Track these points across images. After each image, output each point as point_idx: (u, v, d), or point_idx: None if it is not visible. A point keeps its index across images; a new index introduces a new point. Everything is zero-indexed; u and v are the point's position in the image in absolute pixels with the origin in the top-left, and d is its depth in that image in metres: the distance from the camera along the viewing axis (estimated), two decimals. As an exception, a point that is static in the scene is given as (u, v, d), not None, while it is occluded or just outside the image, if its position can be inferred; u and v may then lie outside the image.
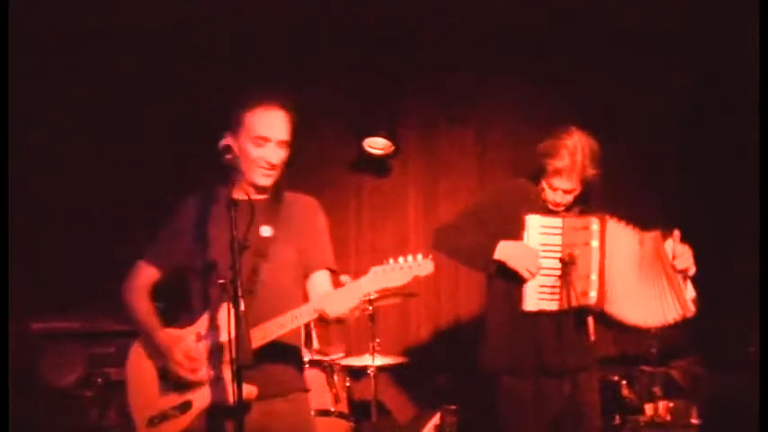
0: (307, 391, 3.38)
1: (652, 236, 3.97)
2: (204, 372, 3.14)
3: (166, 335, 3.23)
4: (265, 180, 3.24)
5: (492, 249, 3.94)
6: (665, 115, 6.06)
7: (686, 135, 6.05)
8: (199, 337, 3.17)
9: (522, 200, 4.03)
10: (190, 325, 3.23)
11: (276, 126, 3.23)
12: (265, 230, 3.22)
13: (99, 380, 4.90)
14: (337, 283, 3.26)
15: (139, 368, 3.29)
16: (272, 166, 3.22)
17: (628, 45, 5.96)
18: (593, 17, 5.91)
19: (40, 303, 5.29)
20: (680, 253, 3.94)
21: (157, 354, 3.23)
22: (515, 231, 3.94)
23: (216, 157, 3.12)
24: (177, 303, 3.36)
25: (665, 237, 3.98)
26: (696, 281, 4.50)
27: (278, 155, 3.23)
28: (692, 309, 3.95)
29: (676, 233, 3.95)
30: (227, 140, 3.21)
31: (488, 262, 3.97)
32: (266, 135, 3.20)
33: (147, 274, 3.39)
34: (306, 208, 3.40)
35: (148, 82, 5.76)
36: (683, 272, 3.95)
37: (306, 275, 3.35)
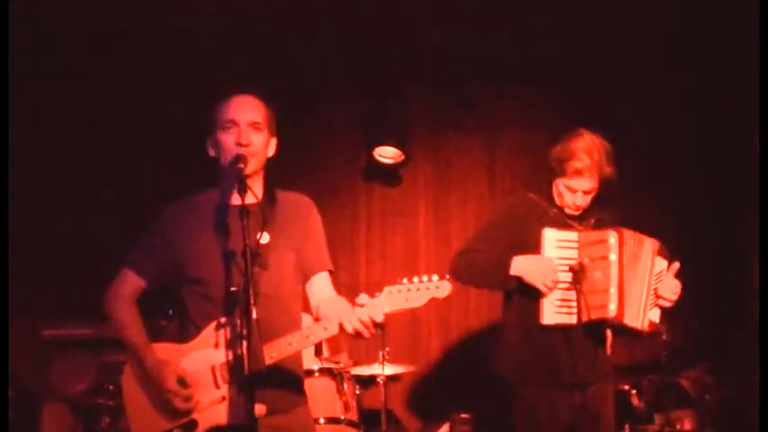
0: (306, 402, 3.25)
1: (651, 241, 3.99)
2: (199, 397, 3.02)
3: (155, 359, 3.07)
4: (246, 167, 2.97)
5: (507, 265, 3.94)
6: (672, 122, 6.07)
7: (690, 140, 6.05)
8: (213, 370, 3.03)
9: (533, 213, 4.04)
10: (187, 341, 3.09)
11: (244, 108, 3.08)
12: (261, 237, 2.99)
13: (110, 387, 4.90)
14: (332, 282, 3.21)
15: (134, 394, 3.13)
16: (245, 148, 3.01)
17: (635, 52, 5.97)
18: (600, 25, 5.93)
19: (50, 311, 5.32)
20: (669, 280, 3.98)
21: (148, 379, 3.08)
22: (529, 245, 3.95)
23: (203, 163, 3.09)
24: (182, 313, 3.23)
25: (662, 252, 4.00)
26: (706, 289, 4.49)
27: (249, 137, 3.04)
28: (645, 326, 3.96)
29: (675, 265, 4.00)
30: (207, 143, 3.12)
31: (505, 279, 3.97)
32: (233, 117, 3.05)
33: (132, 283, 3.20)
34: (300, 207, 3.25)
35: (150, 83, 5.80)
36: (664, 293, 3.96)
37: (305, 279, 3.21)
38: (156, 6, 5.64)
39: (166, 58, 5.83)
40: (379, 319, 2.89)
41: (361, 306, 2.90)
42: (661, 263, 3.99)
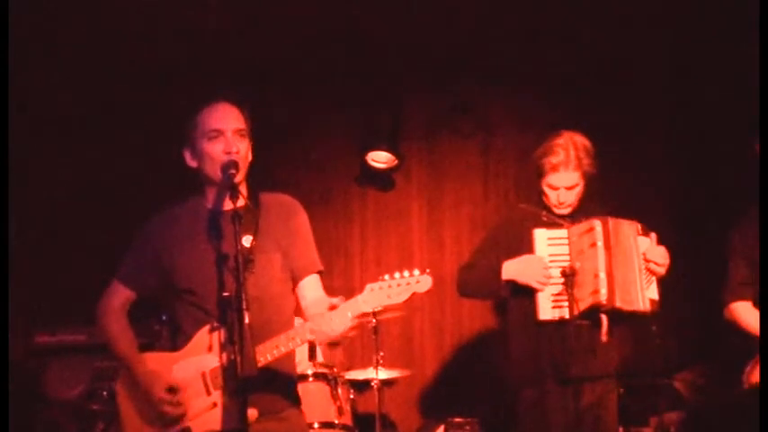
0: (299, 406, 3.25)
1: (629, 223, 4.06)
2: (191, 404, 3.04)
3: (145, 371, 3.11)
4: (237, 173, 3.00)
5: (499, 272, 4.02)
6: (668, 124, 6.08)
7: (686, 141, 6.06)
8: (203, 376, 3.05)
9: (526, 221, 4.12)
10: (178, 350, 3.12)
11: (228, 116, 3.08)
12: (246, 240, 3.01)
13: (104, 393, 4.90)
14: (326, 287, 3.21)
15: (127, 402, 3.17)
16: (235, 156, 3.02)
17: (631, 53, 5.97)
18: (595, 27, 5.94)
19: (44, 317, 5.31)
20: (655, 250, 4.04)
21: (139, 388, 3.12)
22: (526, 252, 4.03)
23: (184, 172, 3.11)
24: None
25: (642, 231, 4.07)
26: (698, 287, 4.46)
27: (236, 144, 3.05)
28: (647, 307, 4.00)
29: (653, 235, 4.07)
30: (186, 155, 3.13)
31: (499, 285, 4.05)
32: (218, 127, 3.05)
33: (121, 295, 3.24)
34: (284, 207, 3.23)
35: (143, 92, 5.80)
36: (654, 264, 4.01)
37: (295, 281, 3.20)
38: (154, 7, 5.63)
39: (163, 61, 5.84)
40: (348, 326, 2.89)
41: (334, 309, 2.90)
42: (644, 241, 4.06)
